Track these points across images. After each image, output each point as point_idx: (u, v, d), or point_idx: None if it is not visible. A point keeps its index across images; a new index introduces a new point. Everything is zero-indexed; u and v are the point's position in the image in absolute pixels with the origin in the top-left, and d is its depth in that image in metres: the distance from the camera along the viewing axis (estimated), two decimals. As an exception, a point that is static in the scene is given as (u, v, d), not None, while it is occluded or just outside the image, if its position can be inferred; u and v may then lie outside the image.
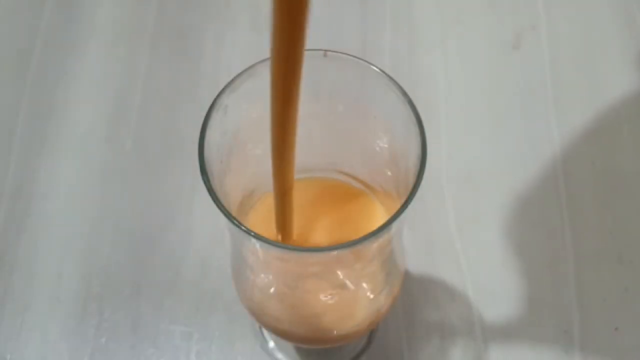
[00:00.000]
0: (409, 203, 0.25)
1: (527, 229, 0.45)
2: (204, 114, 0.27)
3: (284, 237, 0.30)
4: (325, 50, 0.27)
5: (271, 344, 0.42)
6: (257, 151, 0.33)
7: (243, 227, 0.25)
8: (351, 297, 0.31)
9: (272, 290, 0.31)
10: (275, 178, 0.27)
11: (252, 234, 0.25)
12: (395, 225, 0.26)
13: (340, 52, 0.28)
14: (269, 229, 0.31)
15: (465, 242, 0.44)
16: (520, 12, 0.54)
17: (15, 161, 0.47)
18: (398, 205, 0.25)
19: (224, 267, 0.43)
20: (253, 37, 0.52)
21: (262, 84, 0.28)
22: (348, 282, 0.30)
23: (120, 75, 0.51)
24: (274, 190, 0.28)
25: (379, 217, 0.33)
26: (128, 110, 0.49)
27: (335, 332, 0.33)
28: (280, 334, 0.34)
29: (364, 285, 0.31)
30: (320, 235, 0.32)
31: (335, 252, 0.26)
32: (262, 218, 0.32)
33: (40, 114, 0.49)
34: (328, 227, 0.33)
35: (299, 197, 0.29)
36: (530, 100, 0.50)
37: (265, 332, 0.42)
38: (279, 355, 0.42)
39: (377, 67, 0.28)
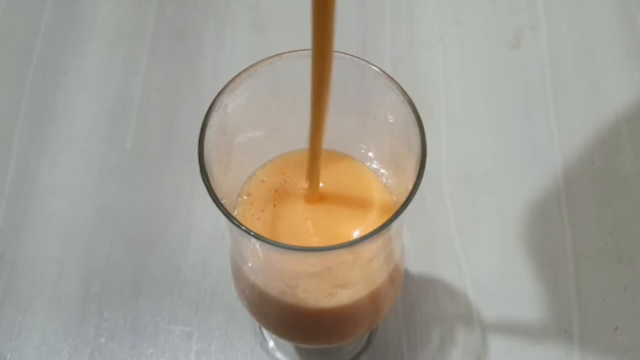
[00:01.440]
0: (409, 203, 0.25)
1: (527, 229, 0.45)
2: (204, 114, 0.27)
3: (312, 191, 0.31)
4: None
5: (271, 343, 0.42)
6: (257, 151, 0.33)
7: (243, 227, 0.25)
8: (351, 297, 0.31)
9: (272, 290, 0.31)
10: (311, 143, 0.28)
11: (252, 234, 0.25)
12: (395, 225, 0.26)
13: (340, 52, 0.28)
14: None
15: (465, 242, 0.44)
16: (520, 12, 0.54)
17: (15, 161, 0.47)
18: (398, 203, 0.25)
19: (224, 267, 0.43)
20: (253, 37, 0.52)
21: (262, 83, 0.28)
22: (348, 282, 0.30)
23: (120, 75, 0.51)
24: (308, 155, 0.28)
25: (380, 189, 0.33)
26: (128, 110, 0.49)
27: (335, 331, 0.33)
28: (280, 333, 0.34)
29: (364, 285, 0.31)
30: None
31: (335, 252, 0.26)
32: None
33: (40, 114, 0.49)
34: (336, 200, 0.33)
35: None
36: (530, 100, 0.50)
37: (265, 331, 0.42)
38: (279, 355, 0.42)
39: (377, 67, 0.28)
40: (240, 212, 0.32)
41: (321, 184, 0.31)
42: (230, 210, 0.31)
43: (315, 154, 0.28)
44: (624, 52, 0.52)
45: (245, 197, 0.32)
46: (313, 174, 0.30)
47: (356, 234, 0.31)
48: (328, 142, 0.32)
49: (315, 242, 0.31)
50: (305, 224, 0.31)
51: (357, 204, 0.32)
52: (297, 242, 0.31)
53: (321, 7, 0.23)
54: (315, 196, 0.31)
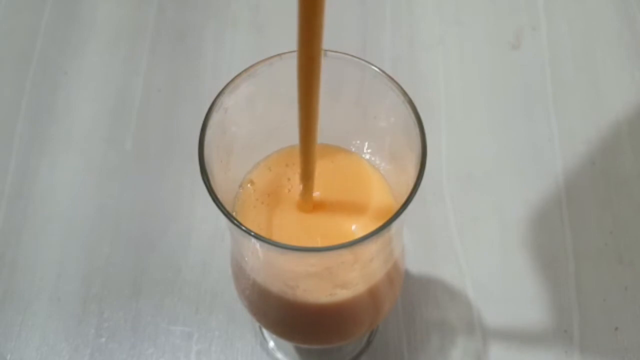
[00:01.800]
0: (409, 203, 0.25)
1: (527, 229, 0.45)
2: (204, 114, 0.27)
3: (306, 202, 0.30)
4: (325, 50, 0.27)
5: (271, 343, 0.42)
6: (257, 150, 0.33)
7: (243, 227, 0.25)
8: (351, 297, 0.31)
9: (272, 290, 0.31)
10: (302, 162, 0.28)
11: (252, 234, 0.25)
12: (395, 225, 0.26)
13: (340, 52, 0.28)
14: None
15: (465, 242, 0.44)
16: (520, 12, 0.54)
17: (15, 161, 0.47)
18: (398, 202, 0.25)
19: (224, 267, 0.43)
20: (253, 37, 0.52)
21: (262, 83, 0.28)
22: (348, 282, 0.30)
23: (120, 75, 0.51)
24: (300, 170, 0.28)
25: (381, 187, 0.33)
26: (128, 110, 0.49)
27: (335, 331, 0.33)
28: (280, 333, 0.34)
29: (364, 285, 0.31)
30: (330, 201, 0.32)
31: (335, 252, 0.26)
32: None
33: (40, 114, 0.49)
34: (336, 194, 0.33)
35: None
36: (530, 100, 0.50)
37: (265, 331, 0.42)
38: (279, 354, 0.42)
39: (377, 67, 0.28)
40: (241, 202, 0.32)
41: (322, 183, 0.31)
42: (231, 206, 0.31)
43: (308, 173, 0.28)
44: (624, 52, 0.52)
45: (249, 186, 0.32)
46: (306, 190, 0.29)
47: (354, 229, 0.31)
48: (328, 141, 0.32)
49: (318, 241, 0.31)
50: (309, 219, 0.31)
51: (357, 203, 0.32)
52: (298, 239, 0.31)
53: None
54: (309, 206, 0.31)
